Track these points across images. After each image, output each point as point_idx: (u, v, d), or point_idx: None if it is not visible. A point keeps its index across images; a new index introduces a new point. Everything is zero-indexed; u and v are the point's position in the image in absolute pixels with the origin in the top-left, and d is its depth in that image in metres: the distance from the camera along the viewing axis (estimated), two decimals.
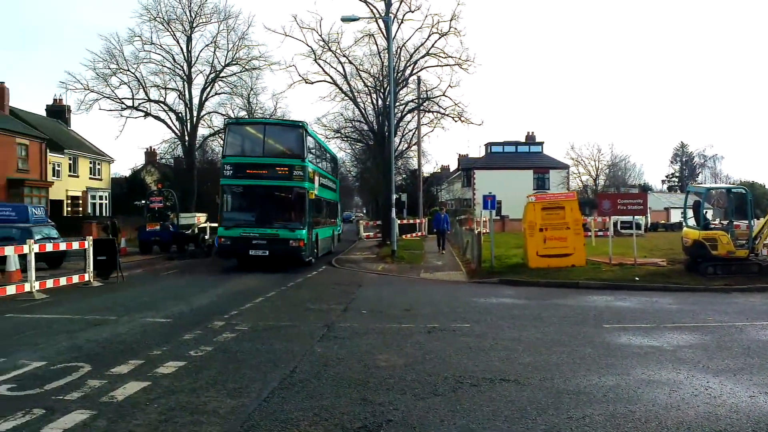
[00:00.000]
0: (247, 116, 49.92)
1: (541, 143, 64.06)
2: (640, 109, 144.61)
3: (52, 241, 18.26)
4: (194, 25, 39.53)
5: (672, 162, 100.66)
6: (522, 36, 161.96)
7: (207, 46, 40.59)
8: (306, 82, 29.79)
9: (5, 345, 8.07)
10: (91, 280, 15.10)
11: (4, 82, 39.68)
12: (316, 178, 21.00)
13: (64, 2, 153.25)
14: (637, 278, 15.86)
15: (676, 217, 55.72)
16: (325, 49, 29.24)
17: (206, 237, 27.66)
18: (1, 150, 35.28)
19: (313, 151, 21.17)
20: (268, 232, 18.47)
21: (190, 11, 39.25)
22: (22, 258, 14.09)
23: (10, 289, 12.63)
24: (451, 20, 28.48)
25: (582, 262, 17.75)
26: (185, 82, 40.02)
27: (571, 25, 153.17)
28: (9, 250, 13.73)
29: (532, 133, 65.58)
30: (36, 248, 13.39)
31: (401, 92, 31.76)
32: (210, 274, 18.32)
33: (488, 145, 63.66)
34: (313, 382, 6.46)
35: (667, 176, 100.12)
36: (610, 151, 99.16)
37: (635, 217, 20.32)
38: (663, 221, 55.50)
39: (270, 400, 5.80)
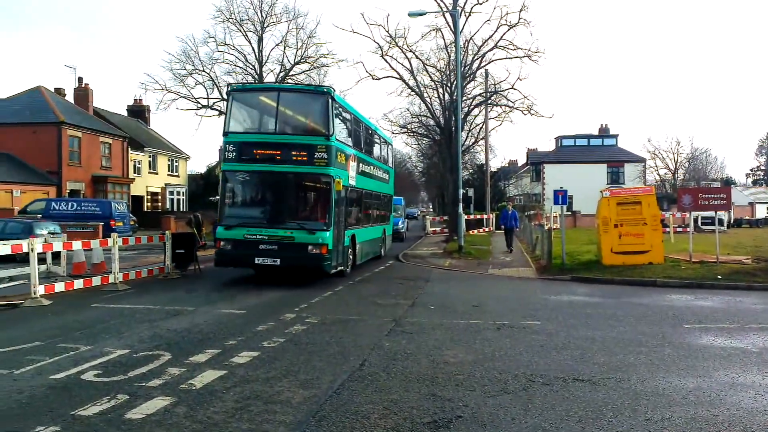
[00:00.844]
0: None
1: (615, 136, 61.91)
2: (723, 100, 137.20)
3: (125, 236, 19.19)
4: (265, 25, 40.48)
5: (757, 154, 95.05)
6: (595, 23, 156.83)
7: (277, 45, 41.48)
8: (373, 78, 29.90)
9: (92, 333, 8.55)
10: (170, 273, 15.77)
11: (88, 84, 42.02)
12: (352, 163, 16.35)
13: (145, 6, 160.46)
14: (719, 276, 15.06)
15: (761, 212, 52.64)
16: (391, 45, 29.26)
17: None
18: (86, 148, 37.39)
19: (345, 127, 16.46)
20: (280, 234, 13.85)
21: (261, 11, 40.22)
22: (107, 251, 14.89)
23: (96, 280, 13.37)
24: (520, 11, 27.90)
25: (660, 260, 17.04)
26: (257, 81, 41.05)
27: (647, 12, 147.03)
28: (95, 243, 14.54)
29: (606, 125, 63.47)
30: (120, 242, 14.11)
31: (468, 86, 31.41)
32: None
33: (558, 138, 62.10)
34: (381, 375, 6.51)
35: (751, 169, 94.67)
36: (690, 143, 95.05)
37: (718, 212, 19.29)
38: (747, 217, 52.58)
39: (340, 392, 5.88)
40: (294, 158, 14.19)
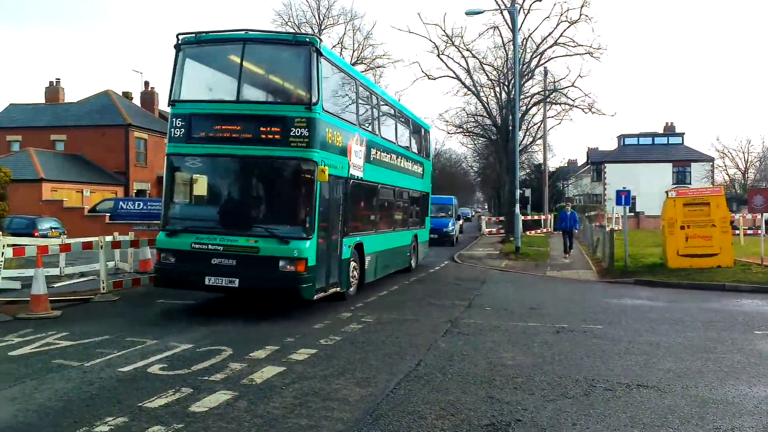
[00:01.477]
0: None
1: (681, 134, 59.55)
2: None
3: None
4: (322, 27, 41.09)
5: None
6: (660, 16, 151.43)
7: (334, 47, 41.98)
8: (429, 78, 29.87)
9: (158, 329, 8.85)
10: None
11: (154, 87, 43.64)
12: (356, 146, 12.04)
13: (209, 13, 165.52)
14: None
15: None
16: (448, 44, 29.13)
17: None
18: (152, 149, 38.84)
19: (344, 96, 12.29)
20: (240, 244, 9.81)
21: (318, 14, 40.86)
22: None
23: None
24: (581, 7, 27.24)
25: (729, 263, 16.29)
26: None
27: (712, 5, 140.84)
28: (143, 242, 15.08)
29: (672, 123, 61.14)
30: None
31: (526, 84, 30.96)
32: None
33: (621, 137, 60.24)
34: (438, 376, 6.47)
35: None
36: (761, 142, 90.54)
37: None
38: None
39: (397, 392, 5.88)
40: (263, 136, 10.06)
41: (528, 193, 41.13)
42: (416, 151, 18.09)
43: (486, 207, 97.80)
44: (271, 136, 10.04)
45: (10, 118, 38.83)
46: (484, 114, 32.25)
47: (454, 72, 29.67)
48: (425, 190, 19.20)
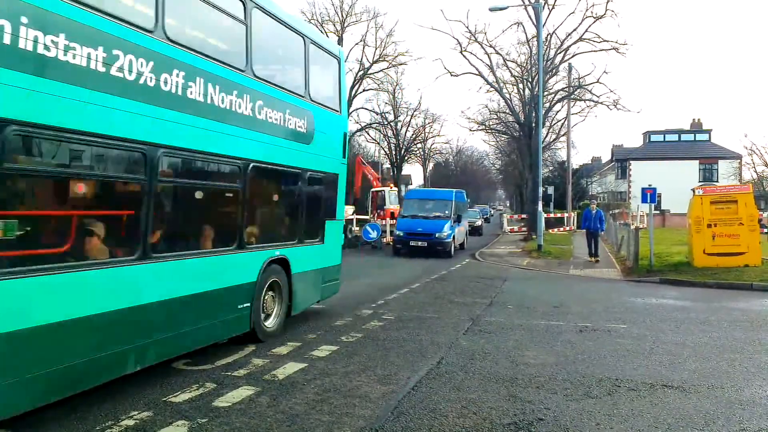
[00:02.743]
0: (392, 112, 51.42)
1: (708, 131, 58.47)
2: None
3: None
4: (345, 25, 41.13)
5: None
6: (687, 11, 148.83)
7: (356, 44, 42.15)
8: (451, 75, 29.78)
9: None
10: None
11: None
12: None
13: None
14: None
15: None
16: (471, 41, 29.02)
17: (353, 228, 28.70)
18: None
19: None
20: None
21: (341, 12, 40.89)
22: None
23: None
24: (607, 2, 26.94)
25: (757, 262, 15.97)
26: None
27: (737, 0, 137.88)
28: None
29: (699, 120, 60.02)
30: None
31: (550, 81, 30.68)
32: (356, 265, 18.94)
33: (647, 133, 59.38)
34: (459, 374, 6.45)
35: None
36: None
37: None
38: None
39: (418, 389, 5.88)
40: None
41: (551, 190, 40.75)
42: (291, 86, 8.35)
43: (508, 204, 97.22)
44: None
45: None
46: (507, 111, 32.08)
47: (476, 69, 29.57)
48: (330, 170, 9.55)
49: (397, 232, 22.37)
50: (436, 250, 21.10)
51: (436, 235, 21.26)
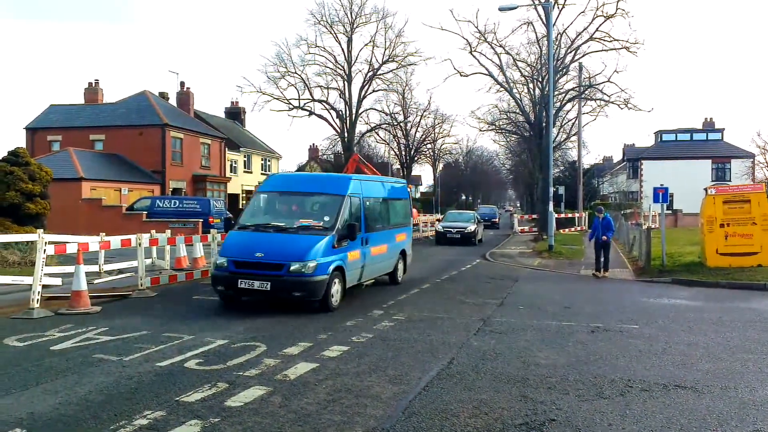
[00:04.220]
0: (401, 113, 51.39)
1: (720, 130, 57.96)
2: None
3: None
4: (354, 25, 41.22)
5: None
6: (699, 10, 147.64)
7: (366, 45, 42.12)
8: (461, 75, 29.78)
9: (194, 324, 9.01)
10: None
11: (189, 88, 44.36)
12: None
13: (243, 13, 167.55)
14: None
15: None
16: (480, 41, 29.00)
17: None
18: (187, 149, 39.53)
19: None
20: None
21: (351, 13, 40.98)
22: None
23: (197, 274, 14.11)
24: (617, 1, 26.80)
25: None
26: (345, 82, 41.88)
27: None
28: (196, 239, 15.35)
29: (711, 119, 59.50)
30: (218, 238, 14.80)
31: (561, 80, 30.59)
32: None
33: (658, 133, 58.95)
34: (470, 374, 6.45)
35: None
36: None
37: None
38: None
39: (429, 390, 5.88)
40: None
41: (562, 190, 40.59)
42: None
43: (518, 205, 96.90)
44: None
45: (50, 119, 39.94)
46: (517, 111, 32.03)
47: (486, 69, 29.52)
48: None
49: (219, 261, 10.40)
50: (290, 300, 10.19)
51: (291, 269, 9.89)
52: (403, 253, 14.18)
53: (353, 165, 31.00)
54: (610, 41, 27.58)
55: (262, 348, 7.41)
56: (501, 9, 23.40)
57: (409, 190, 17.30)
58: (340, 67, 41.73)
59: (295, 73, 40.91)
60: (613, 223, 17.47)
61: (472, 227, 27.98)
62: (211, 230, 15.12)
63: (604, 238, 16.45)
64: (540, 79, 29.48)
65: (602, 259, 16.65)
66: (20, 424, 4.90)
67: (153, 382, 6.02)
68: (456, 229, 27.67)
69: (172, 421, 4.94)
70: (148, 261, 14.87)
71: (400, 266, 14.12)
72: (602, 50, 28.39)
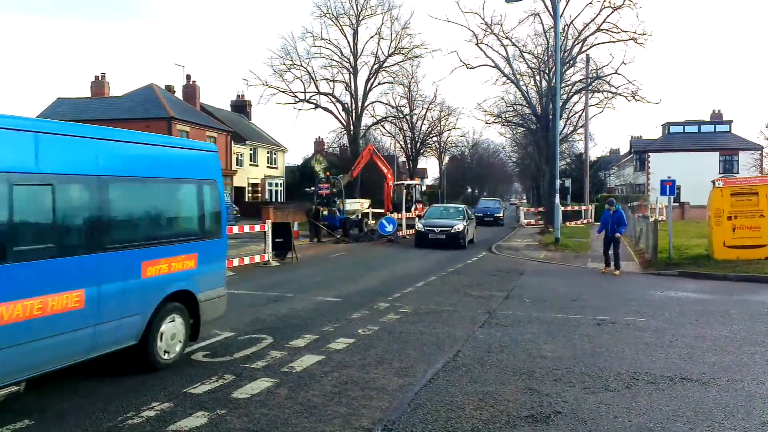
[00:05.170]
0: (407, 105, 51.26)
1: (728, 122, 57.54)
2: None
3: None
4: (360, 18, 41.04)
5: None
6: (709, 1, 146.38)
7: (372, 38, 41.94)
8: (467, 67, 29.57)
9: None
10: (270, 260, 16.41)
11: (195, 81, 44.40)
12: None
13: (249, 5, 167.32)
14: None
15: None
16: (487, 33, 28.79)
17: (369, 222, 28.68)
18: None
19: None
20: None
21: (356, 5, 40.80)
22: None
23: None
24: None
25: None
26: (351, 74, 41.76)
27: None
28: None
29: (719, 111, 59.09)
30: (235, 229, 14.88)
31: (568, 72, 30.38)
32: (373, 258, 18.97)
33: (666, 125, 58.60)
34: (476, 367, 6.46)
35: None
36: None
37: None
38: None
39: (434, 382, 5.90)
40: None
41: (568, 183, 40.41)
42: None
43: (525, 198, 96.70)
44: None
45: (57, 113, 40.05)
46: (524, 103, 31.84)
47: (493, 61, 29.33)
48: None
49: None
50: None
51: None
52: (183, 303, 6.65)
53: (367, 155, 30.36)
54: (618, 32, 27.35)
55: (269, 340, 7.44)
56: (508, 1, 23.24)
57: (222, 169, 8.46)
58: (346, 60, 41.61)
59: (301, 65, 40.83)
60: (625, 217, 16.31)
61: (460, 226, 22.37)
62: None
63: (618, 235, 15.50)
64: (547, 71, 29.29)
65: (611, 255, 15.77)
66: (25, 414, 4.94)
67: (160, 374, 6.06)
68: (440, 229, 22.26)
69: (180, 412, 4.98)
70: None
71: (171, 334, 6.41)
72: (609, 42, 28.14)
